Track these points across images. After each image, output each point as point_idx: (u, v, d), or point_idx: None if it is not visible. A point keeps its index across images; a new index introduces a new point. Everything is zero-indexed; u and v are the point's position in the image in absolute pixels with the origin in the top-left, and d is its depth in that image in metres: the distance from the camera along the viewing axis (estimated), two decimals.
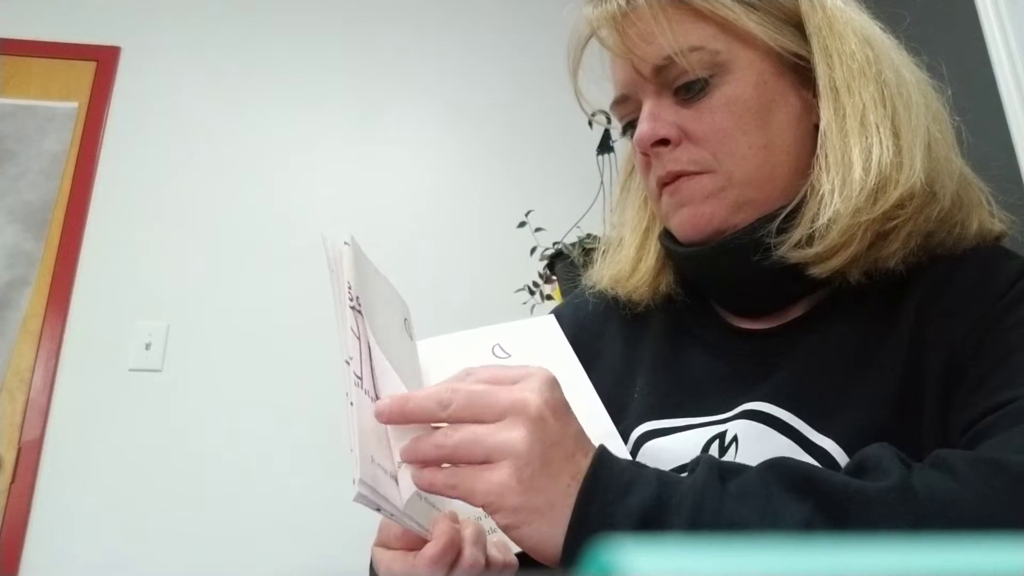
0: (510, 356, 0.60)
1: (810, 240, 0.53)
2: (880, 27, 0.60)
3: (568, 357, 0.62)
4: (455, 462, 0.40)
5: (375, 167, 2.30)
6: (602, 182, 1.71)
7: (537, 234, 1.76)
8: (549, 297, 1.78)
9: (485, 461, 0.39)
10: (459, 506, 0.45)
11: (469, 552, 0.42)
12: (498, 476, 0.38)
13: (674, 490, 0.39)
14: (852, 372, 0.53)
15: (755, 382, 0.57)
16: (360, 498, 0.38)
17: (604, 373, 0.66)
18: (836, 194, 0.52)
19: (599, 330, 0.70)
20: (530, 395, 0.40)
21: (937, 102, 0.59)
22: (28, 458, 1.89)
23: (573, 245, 1.61)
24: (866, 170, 0.52)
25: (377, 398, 0.43)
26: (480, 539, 0.44)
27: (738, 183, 0.57)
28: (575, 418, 0.42)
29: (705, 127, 0.57)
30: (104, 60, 2.28)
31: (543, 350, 0.63)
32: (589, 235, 1.63)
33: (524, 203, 1.89)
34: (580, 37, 0.63)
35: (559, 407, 0.41)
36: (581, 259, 1.56)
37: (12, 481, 1.86)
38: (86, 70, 2.26)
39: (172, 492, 1.89)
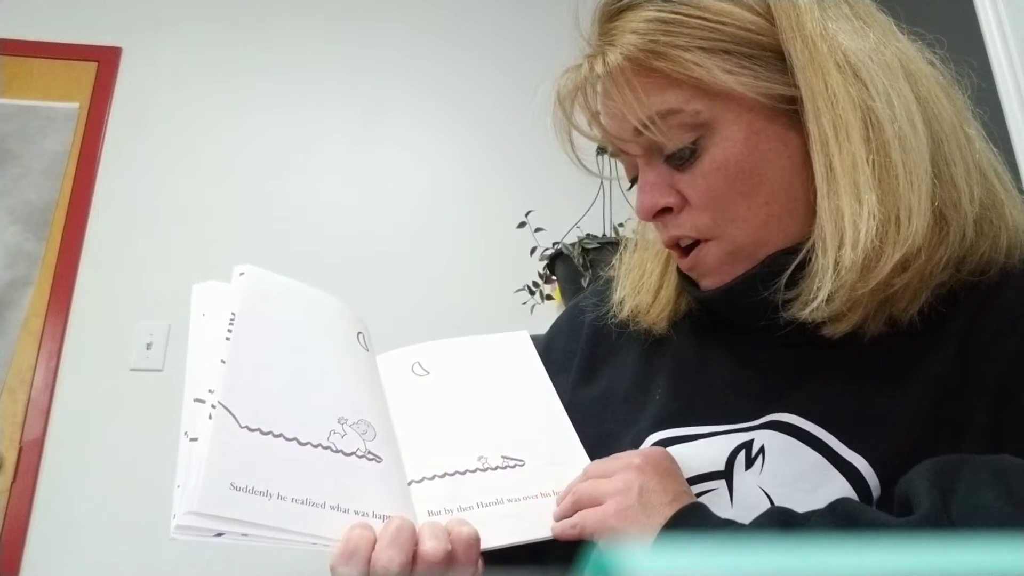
0: (428, 373, 0.61)
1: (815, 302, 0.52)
2: (881, 20, 0.57)
3: (535, 372, 0.63)
4: (582, 508, 0.50)
5: (375, 167, 2.30)
6: (602, 182, 1.71)
7: (537, 234, 1.76)
8: (549, 297, 1.79)
9: (599, 503, 0.49)
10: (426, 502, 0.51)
11: (382, 551, 0.45)
12: (603, 509, 0.48)
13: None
14: (886, 390, 0.52)
15: (782, 391, 0.55)
16: (182, 530, 0.43)
17: (621, 371, 0.65)
18: (830, 270, 0.50)
19: (617, 331, 0.69)
20: (636, 458, 0.50)
21: (950, 111, 0.54)
22: (29, 458, 1.89)
23: (573, 245, 1.61)
24: (854, 245, 0.49)
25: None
26: (400, 536, 0.45)
27: (744, 245, 0.55)
28: (682, 479, 0.51)
29: (701, 193, 0.54)
30: (105, 61, 2.29)
31: (509, 364, 0.63)
32: (589, 235, 1.64)
33: (524, 203, 1.89)
34: (561, 121, 0.62)
35: (661, 467, 0.50)
36: (581, 259, 1.57)
37: (13, 481, 1.87)
38: (87, 70, 2.27)
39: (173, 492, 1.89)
